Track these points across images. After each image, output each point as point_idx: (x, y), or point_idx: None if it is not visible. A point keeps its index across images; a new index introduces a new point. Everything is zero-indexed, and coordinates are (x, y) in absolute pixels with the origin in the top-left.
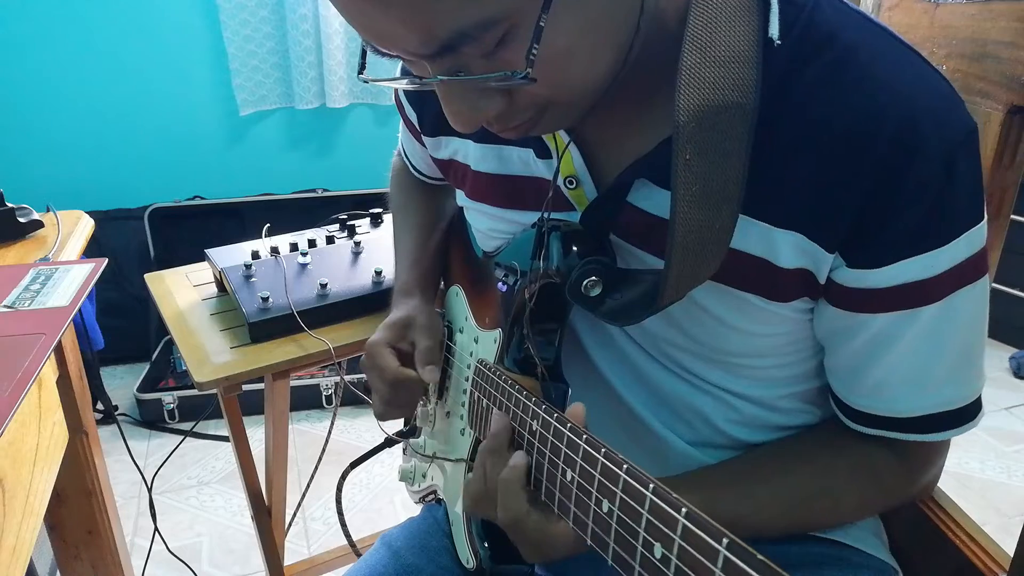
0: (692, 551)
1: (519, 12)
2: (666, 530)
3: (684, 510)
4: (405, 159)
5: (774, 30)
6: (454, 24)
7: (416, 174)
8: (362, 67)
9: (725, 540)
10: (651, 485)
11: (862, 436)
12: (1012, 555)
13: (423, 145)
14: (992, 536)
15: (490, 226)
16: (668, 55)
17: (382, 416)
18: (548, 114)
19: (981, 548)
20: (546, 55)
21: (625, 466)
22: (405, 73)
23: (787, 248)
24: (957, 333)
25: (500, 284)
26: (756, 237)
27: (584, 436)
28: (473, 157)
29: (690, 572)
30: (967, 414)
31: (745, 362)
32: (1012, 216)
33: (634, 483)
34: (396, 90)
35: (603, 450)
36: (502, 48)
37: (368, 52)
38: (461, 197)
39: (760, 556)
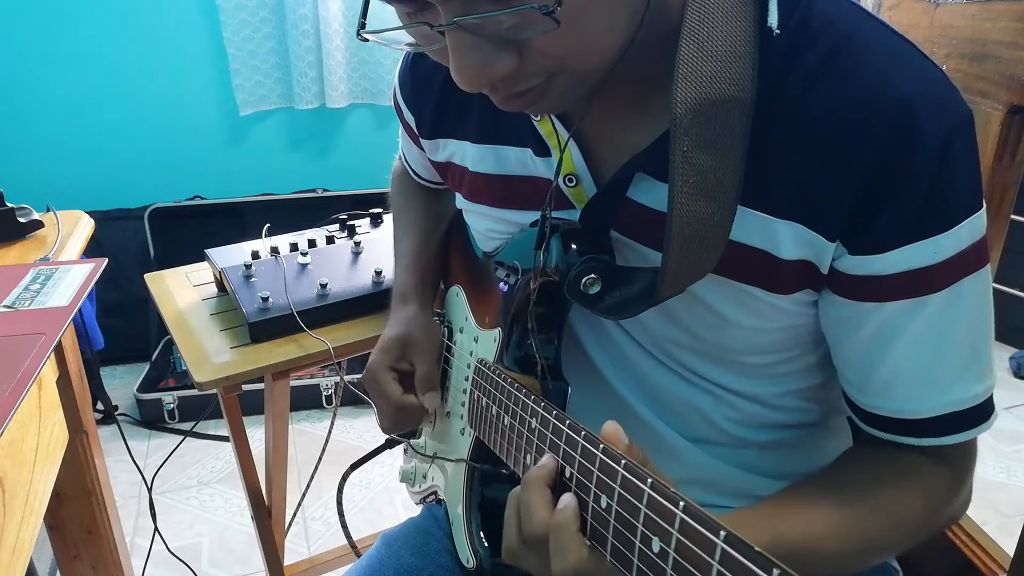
0: (690, 545)
1: None
2: (664, 524)
3: (682, 504)
4: (405, 163)
5: (773, 20)
6: None
7: (416, 178)
8: (362, 25)
9: (722, 533)
10: (649, 480)
11: (900, 449)
12: (1012, 555)
13: (421, 149)
14: (992, 536)
15: (488, 227)
16: (666, 48)
17: (388, 431)
18: (556, 83)
19: (981, 548)
20: (569, 4)
21: (623, 461)
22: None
23: (788, 239)
24: (964, 324)
25: (499, 283)
26: (756, 228)
27: (583, 432)
28: (471, 158)
29: (688, 565)
30: (979, 415)
31: (746, 359)
32: (1012, 216)
33: (632, 478)
34: (395, 94)
35: (601, 446)
36: None
37: (369, 12)
38: (460, 200)
39: (757, 548)
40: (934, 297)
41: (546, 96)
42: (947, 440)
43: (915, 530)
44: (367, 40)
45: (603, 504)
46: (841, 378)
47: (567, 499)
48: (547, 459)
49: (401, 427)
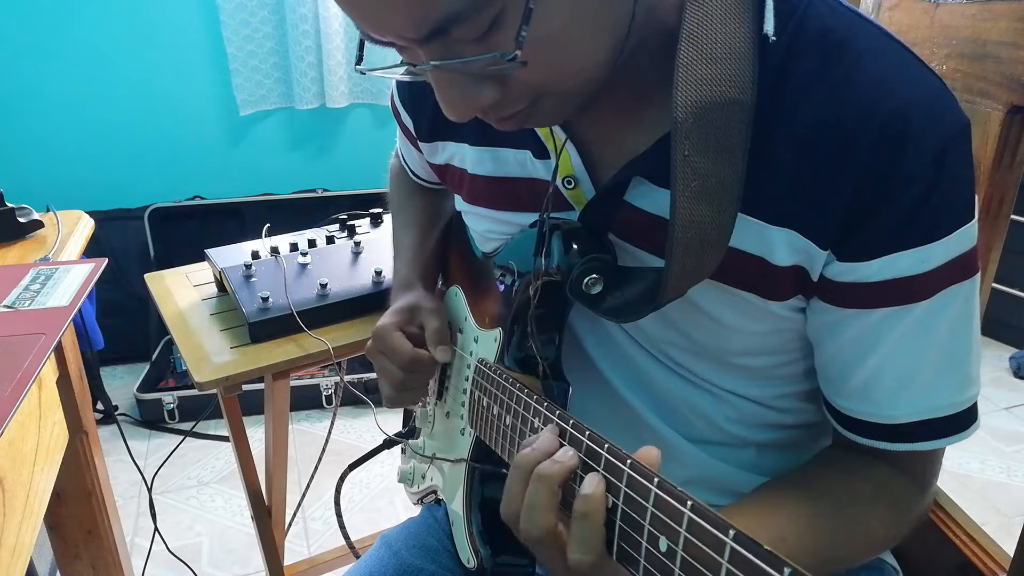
0: (698, 543)
1: None
2: (671, 523)
3: (690, 503)
4: (403, 163)
5: (769, 26)
6: (446, 5)
7: (414, 179)
8: (359, 59)
9: (731, 532)
10: (655, 479)
11: (871, 458)
12: (1012, 555)
13: (419, 151)
14: (992, 536)
15: (488, 228)
16: (664, 53)
17: (392, 402)
18: (543, 104)
19: (981, 548)
20: (538, 38)
21: (629, 461)
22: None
23: (782, 245)
24: (946, 332)
25: (499, 284)
26: (751, 235)
27: (587, 432)
28: (470, 160)
29: (697, 564)
30: (958, 423)
31: (742, 361)
32: (1012, 216)
33: (638, 477)
34: (392, 97)
35: (606, 446)
36: (494, 31)
37: (367, 45)
38: (459, 202)
39: (767, 547)
40: (918, 306)
41: (536, 115)
42: (921, 446)
43: (880, 545)
44: (364, 73)
45: (608, 504)
46: (821, 380)
47: (595, 482)
48: (566, 454)
49: (407, 390)
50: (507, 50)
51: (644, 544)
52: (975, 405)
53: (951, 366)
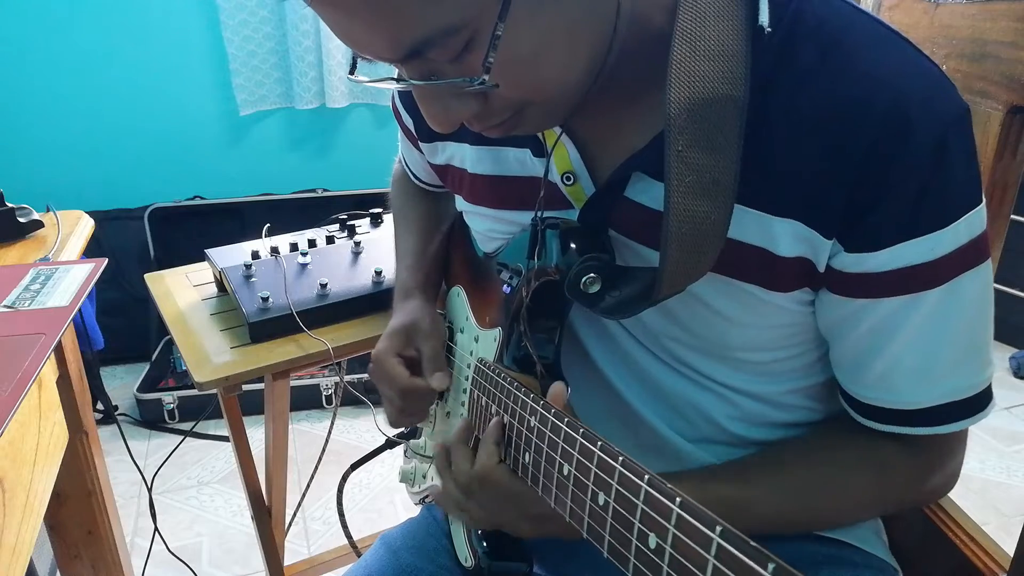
0: (686, 540)
1: (479, 19)
2: (661, 520)
3: (679, 500)
4: (405, 167)
5: (764, 18)
6: (418, 31)
7: (416, 181)
8: (353, 68)
9: (719, 528)
10: (646, 476)
11: (870, 430)
12: (1012, 555)
13: (420, 152)
14: (992, 536)
15: (489, 227)
16: (658, 51)
17: (396, 424)
18: (527, 114)
19: (981, 548)
20: (509, 61)
21: (621, 458)
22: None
23: (786, 236)
24: (962, 318)
25: (500, 284)
26: (754, 226)
27: (581, 430)
28: (470, 160)
29: (684, 561)
30: (976, 404)
31: (746, 356)
32: (1012, 216)
33: (629, 474)
34: (393, 98)
35: (599, 443)
36: (468, 53)
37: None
38: (460, 202)
39: (753, 543)
40: (931, 293)
41: (522, 124)
42: (941, 429)
43: (862, 511)
44: (357, 83)
45: (600, 501)
46: (837, 370)
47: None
48: (463, 423)
49: (409, 415)
50: (478, 73)
51: (634, 542)
52: (991, 385)
53: (969, 351)
